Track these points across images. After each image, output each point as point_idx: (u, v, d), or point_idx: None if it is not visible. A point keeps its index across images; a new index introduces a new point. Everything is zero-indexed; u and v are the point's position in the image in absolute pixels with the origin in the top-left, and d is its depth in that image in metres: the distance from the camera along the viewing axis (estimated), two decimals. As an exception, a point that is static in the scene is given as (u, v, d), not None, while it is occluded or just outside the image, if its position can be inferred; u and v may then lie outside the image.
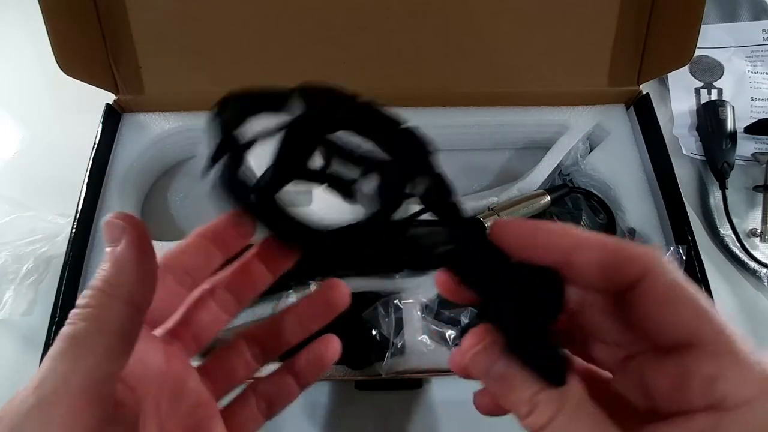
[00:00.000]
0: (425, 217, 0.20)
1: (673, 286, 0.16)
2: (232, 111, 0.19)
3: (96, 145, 0.40)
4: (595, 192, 0.41)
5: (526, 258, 0.17)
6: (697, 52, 0.41)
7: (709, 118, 0.47)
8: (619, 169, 0.41)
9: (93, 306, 0.17)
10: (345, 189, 0.20)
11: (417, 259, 0.19)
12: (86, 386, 0.16)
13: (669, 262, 0.17)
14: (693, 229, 0.37)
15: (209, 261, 0.20)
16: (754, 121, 0.48)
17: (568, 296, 0.17)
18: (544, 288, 0.17)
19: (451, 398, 0.37)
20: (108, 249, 0.18)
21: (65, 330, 0.17)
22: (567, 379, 0.16)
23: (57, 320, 0.33)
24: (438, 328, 0.34)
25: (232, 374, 0.23)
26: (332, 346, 0.23)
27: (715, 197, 0.45)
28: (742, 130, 0.48)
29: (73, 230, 0.37)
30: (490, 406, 0.21)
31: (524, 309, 0.17)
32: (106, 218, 0.18)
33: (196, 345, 0.22)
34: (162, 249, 0.35)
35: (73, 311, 0.17)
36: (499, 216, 0.38)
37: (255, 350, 0.23)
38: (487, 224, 0.37)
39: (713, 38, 0.54)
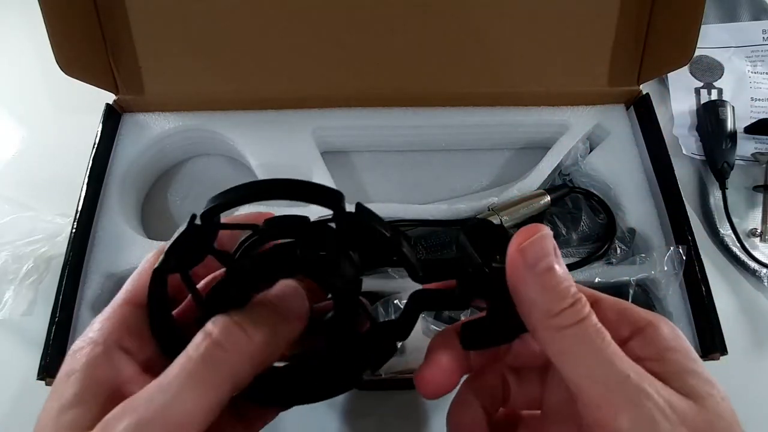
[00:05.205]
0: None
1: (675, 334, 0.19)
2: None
3: (96, 145, 0.40)
4: (595, 192, 0.41)
5: None
6: (697, 52, 0.41)
7: (709, 118, 0.47)
8: (619, 169, 0.41)
9: (228, 349, 0.16)
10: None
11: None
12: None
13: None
14: (693, 229, 0.37)
15: None
16: (754, 121, 0.48)
17: None
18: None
19: (450, 398, 0.37)
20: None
21: (206, 348, 0.16)
22: None
23: (57, 320, 0.33)
24: (438, 328, 0.34)
25: None
26: None
27: (715, 197, 0.45)
28: (742, 130, 0.48)
29: (73, 230, 0.37)
30: (437, 382, 0.21)
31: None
32: None
33: None
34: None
35: (220, 333, 0.16)
36: (499, 216, 0.37)
37: None
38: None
39: (713, 38, 0.54)
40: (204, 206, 0.17)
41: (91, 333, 0.18)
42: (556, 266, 0.18)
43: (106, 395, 0.17)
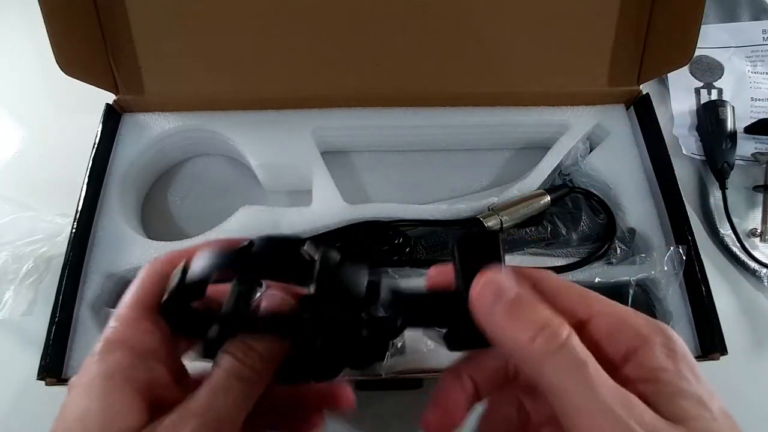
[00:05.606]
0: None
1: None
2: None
3: (96, 145, 0.40)
4: (595, 192, 0.41)
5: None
6: (697, 52, 0.41)
7: (709, 118, 0.47)
8: (619, 169, 0.41)
9: (253, 368, 0.19)
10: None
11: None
12: None
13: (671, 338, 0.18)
14: (693, 229, 0.37)
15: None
16: (754, 121, 0.48)
17: None
18: None
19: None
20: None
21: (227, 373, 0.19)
22: None
23: (57, 320, 0.33)
24: (438, 328, 0.34)
25: None
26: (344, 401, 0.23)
27: (715, 197, 0.45)
28: (742, 130, 0.48)
29: (73, 230, 0.37)
30: (439, 423, 0.22)
31: None
32: None
33: None
34: (162, 249, 0.35)
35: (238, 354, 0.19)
36: (499, 216, 0.37)
37: None
38: (488, 224, 0.37)
39: (713, 38, 0.54)
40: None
41: (118, 334, 0.19)
42: (520, 300, 0.18)
43: (149, 401, 0.18)
